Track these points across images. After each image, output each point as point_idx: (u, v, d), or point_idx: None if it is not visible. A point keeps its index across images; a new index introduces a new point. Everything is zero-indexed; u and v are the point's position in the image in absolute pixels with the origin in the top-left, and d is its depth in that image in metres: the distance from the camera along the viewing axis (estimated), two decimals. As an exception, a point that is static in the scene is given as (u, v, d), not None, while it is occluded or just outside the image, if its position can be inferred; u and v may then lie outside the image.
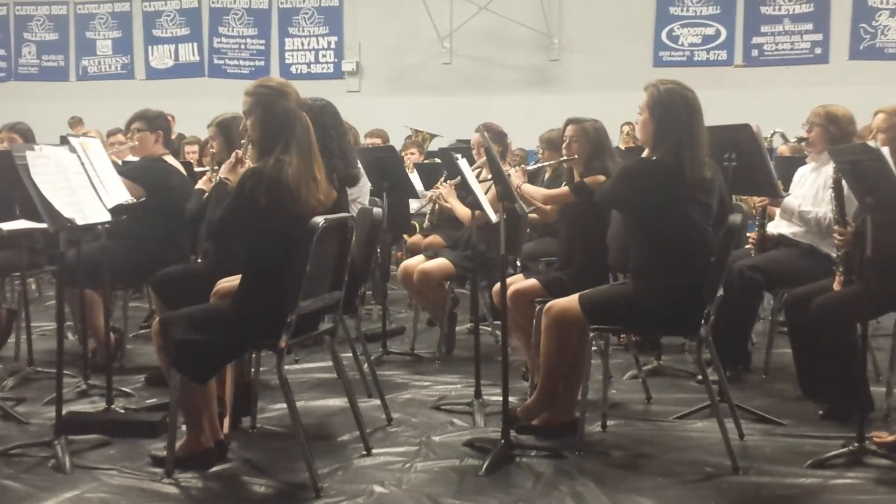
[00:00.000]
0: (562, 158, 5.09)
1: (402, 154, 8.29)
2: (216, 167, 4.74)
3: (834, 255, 4.60)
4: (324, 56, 15.55)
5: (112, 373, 4.74)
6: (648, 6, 14.28)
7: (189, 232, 5.56)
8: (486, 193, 5.17)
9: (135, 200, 4.72)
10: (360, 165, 5.19)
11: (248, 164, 3.93)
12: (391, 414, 4.58)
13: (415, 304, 6.64)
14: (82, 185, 4.16)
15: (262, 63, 15.62)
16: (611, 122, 5.15)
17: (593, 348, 4.33)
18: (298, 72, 15.35)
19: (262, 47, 15.74)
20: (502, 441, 3.98)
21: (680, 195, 3.95)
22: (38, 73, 16.45)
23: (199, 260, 5.54)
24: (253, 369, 4.52)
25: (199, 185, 4.91)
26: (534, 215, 6.23)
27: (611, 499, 3.53)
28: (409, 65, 15.03)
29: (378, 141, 8.41)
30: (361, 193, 6.36)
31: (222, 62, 15.82)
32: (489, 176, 5.00)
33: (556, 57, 14.54)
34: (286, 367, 3.76)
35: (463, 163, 4.87)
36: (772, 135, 5.59)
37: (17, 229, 5.05)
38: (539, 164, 6.20)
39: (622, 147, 9.48)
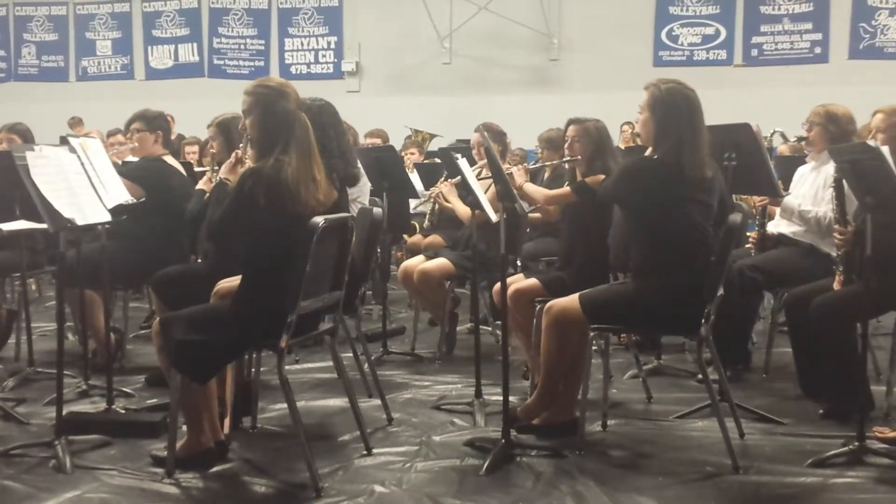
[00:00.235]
0: (564, 159, 5.10)
1: (402, 154, 8.30)
2: (216, 167, 4.74)
3: (834, 254, 4.60)
4: (323, 56, 15.55)
5: (112, 373, 4.73)
6: (648, 6, 14.27)
7: (189, 232, 5.56)
8: (486, 192, 5.18)
9: (135, 201, 4.72)
10: (359, 165, 5.19)
11: (249, 164, 3.93)
12: (391, 414, 4.58)
13: (415, 304, 6.64)
14: (82, 186, 4.16)
15: (262, 63, 15.62)
16: (611, 122, 5.15)
17: (593, 348, 4.33)
18: (298, 72, 15.35)
19: (262, 47, 15.74)
20: (503, 441, 3.98)
21: (681, 194, 3.96)
22: (38, 74, 16.45)
23: (199, 260, 5.54)
24: (253, 369, 4.52)
25: (200, 185, 4.92)
26: (536, 215, 6.24)
27: (611, 498, 3.54)
28: (408, 65, 15.03)
29: (378, 141, 8.41)
30: (361, 193, 6.36)
31: (222, 62, 15.82)
32: (490, 174, 5.00)
33: (555, 57, 14.54)
34: (286, 367, 3.76)
35: (463, 162, 4.87)
36: (772, 134, 5.60)
37: (18, 230, 5.05)
38: (540, 164, 6.20)
39: (622, 147, 9.47)
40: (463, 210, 5.74)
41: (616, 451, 4.13)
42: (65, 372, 4.15)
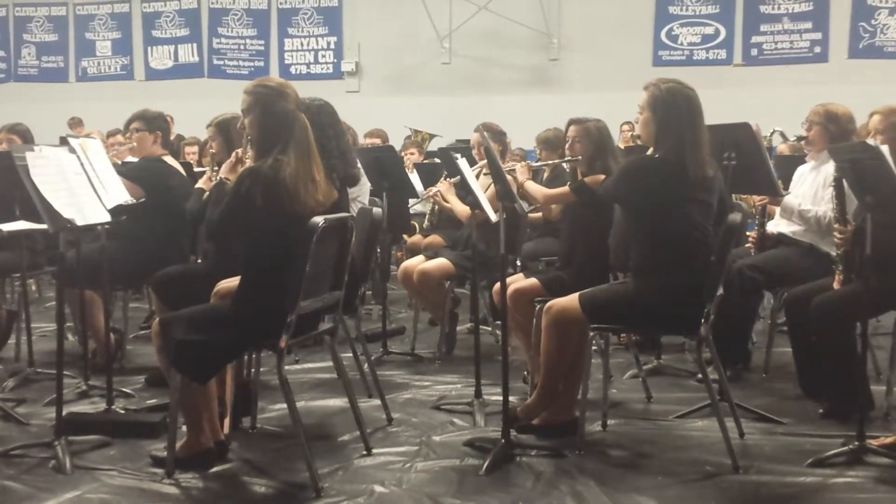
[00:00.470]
0: (565, 159, 5.10)
1: (402, 154, 8.30)
2: (216, 167, 4.74)
3: (834, 253, 4.60)
4: (323, 56, 15.55)
5: (112, 373, 4.73)
6: (648, 5, 14.27)
7: (189, 232, 5.56)
8: (486, 191, 5.18)
9: (134, 201, 4.71)
10: (359, 165, 5.19)
11: (249, 163, 3.93)
12: (391, 414, 4.58)
13: (415, 304, 6.64)
14: (82, 186, 4.16)
15: (262, 63, 15.61)
16: (610, 122, 5.15)
17: (593, 347, 4.33)
18: (298, 72, 15.34)
19: (262, 48, 15.73)
20: (502, 440, 3.98)
21: (682, 194, 3.96)
22: (38, 75, 16.44)
23: (199, 260, 5.54)
24: (253, 369, 4.52)
25: (199, 184, 4.92)
26: (536, 214, 6.25)
27: (611, 498, 3.54)
28: (408, 65, 15.03)
29: (377, 141, 8.41)
30: (361, 193, 6.36)
31: (222, 63, 15.81)
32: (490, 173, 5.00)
33: (555, 56, 14.54)
34: (286, 367, 3.76)
35: (462, 162, 4.88)
36: (771, 133, 5.60)
37: (17, 230, 5.05)
38: (540, 164, 6.20)
39: (622, 146, 9.48)
40: (461, 209, 5.74)
41: (616, 451, 4.13)
42: (65, 372, 4.15)
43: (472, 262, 5.26)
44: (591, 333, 4.08)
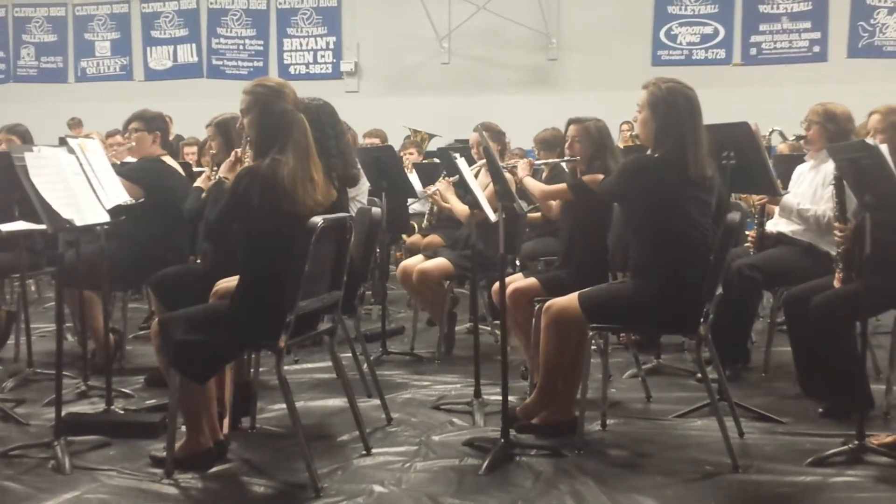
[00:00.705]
0: (564, 158, 5.10)
1: (401, 154, 8.30)
2: (215, 168, 4.73)
3: (833, 252, 4.60)
4: (322, 56, 15.55)
5: (111, 374, 4.73)
6: (647, 5, 14.28)
7: (188, 232, 5.56)
8: (484, 189, 5.18)
9: (133, 201, 4.71)
10: (359, 166, 5.19)
11: (247, 163, 3.93)
12: (391, 414, 4.58)
13: (414, 304, 6.64)
14: (81, 186, 4.15)
15: (261, 64, 15.62)
16: (609, 122, 5.14)
17: (593, 347, 4.33)
18: (297, 72, 15.35)
19: (261, 48, 15.74)
20: (502, 440, 3.98)
21: (681, 192, 3.96)
22: (37, 75, 16.45)
23: (198, 260, 5.54)
24: (252, 370, 4.52)
25: (198, 183, 4.91)
26: (535, 214, 6.25)
27: (610, 498, 3.53)
28: (407, 65, 15.03)
29: (377, 141, 8.41)
30: (359, 192, 6.36)
31: (221, 63, 15.82)
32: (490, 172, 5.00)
33: (554, 56, 14.54)
34: (285, 367, 3.76)
35: (462, 162, 4.87)
36: (770, 133, 5.60)
37: (17, 230, 5.05)
38: (540, 162, 6.20)
39: (621, 146, 9.48)
40: (460, 209, 5.74)
41: (615, 451, 4.13)
42: (64, 373, 4.15)
43: (471, 261, 5.26)
44: (591, 333, 4.08)
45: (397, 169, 6.34)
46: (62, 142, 4.73)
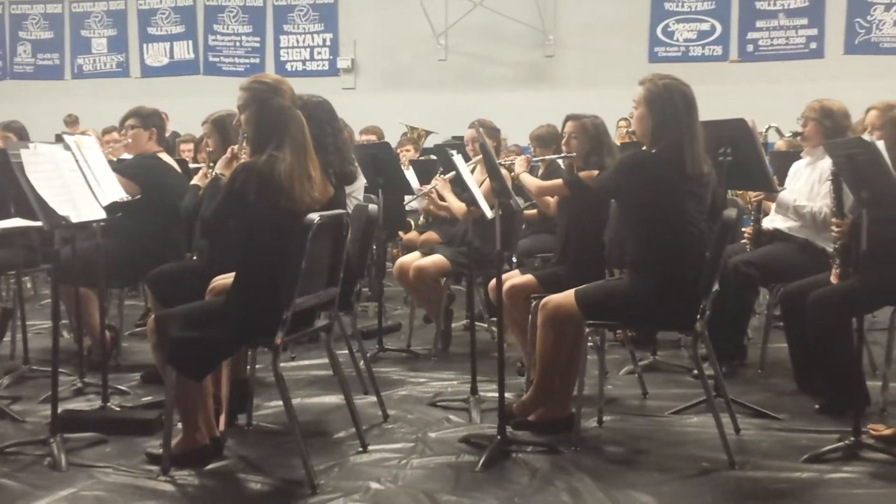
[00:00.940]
0: (561, 155, 5.10)
1: (398, 151, 8.29)
2: (212, 164, 4.73)
3: (830, 249, 4.60)
4: (319, 53, 15.53)
5: (108, 371, 4.72)
6: (644, 2, 14.26)
7: (184, 229, 5.55)
8: (480, 186, 5.18)
9: (130, 198, 4.71)
10: (356, 164, 5.18)
11: (244, 159, 3.93)
12: (387, 411, 4.58)
13: (411, 301, 6.63)
14: (77, 183, 4.15)
15: (258, 60, 15.59)
16: (606, 118, 5.15)
17: (589, 344, 4.33)
18: (294, 69, 15.33)
19: (258, 45, 15.71)
20: (498, 437, 3.98)
21: (678, 188, 3.95)
22: (34, 72, 16.42)
23: (195, 257, 5.53)
24: (249, 366, 4.51)
25: (195, 180, 4.91)
26: (531, 211, 6.25)
27: (607, 494, 3.53)
28: (404, 61, 15.02)
29: (373, 138, 8.41)
30: (356, 189, 6.35)
31: (217, 60, 15.80)
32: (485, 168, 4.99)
33: (551, 53, 14.53)
34: (282, 364, 3.75)
35: (458, 159, 4.87)
36: (767, 129, 5.59)
37: (13, 227, 5.04)
38: (538, 159, 6.20)
39: (618, 143, 9.48)
40: (458, 206, 5.73)
41: (612, 448, 4.13)
42: (60, 370, 4.15)
43: (467, 258, 5.26)
44: (587, 330, 4.08)
45: (394, 166, 6.34)
46: (59, 139, 4.73)
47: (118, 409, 4.62)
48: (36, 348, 5.74)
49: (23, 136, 6.28)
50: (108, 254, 4.82)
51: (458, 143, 7.93)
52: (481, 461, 3.82)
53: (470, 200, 4.76)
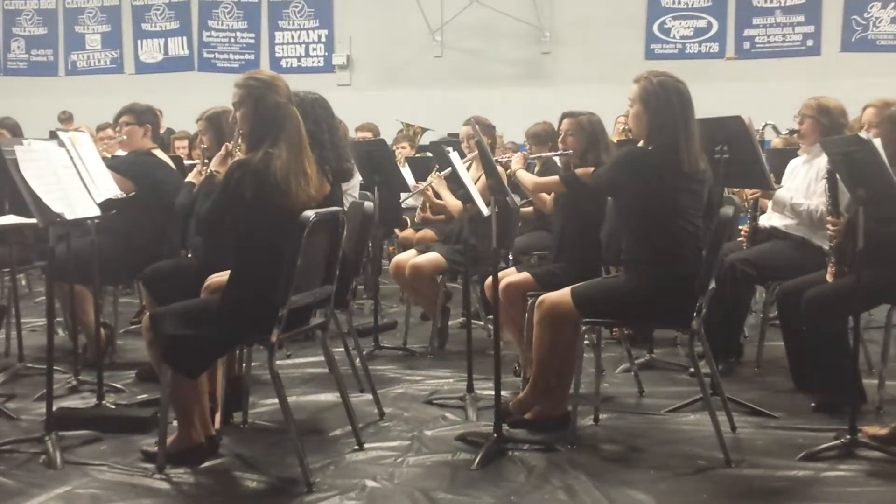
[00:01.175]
0: (557, 152, 5.09)
1: (394, 148, 8.28)
2: (206, 161, 4.72)
3: (826, 247, 4.60)
4: (314, 50, 15.50)
5: (103, 368, 4.71)
6: (640, -1, 14.28)
7: (179, 226, 5.54)
8: (476, 182, 5.16)
9: (124, 195, 4.69)
10: (352, 161, 5.17)
11: (239, 156, 3.91)
12: (383, 408, 4.57)
13: (407, 299, 6.63)
14: (71, 180, 4.14)
15: (252, 57, 15.57)
16: (603, 115, 5.14)
17: (585, 342, 4.32)
18: (289, 66, 15.30)
19: (252, 41, 15.68)
20: (494, 435, 3.97)
21: (674, 184, 3.95)
22: (27, 68, 16.38)
23: (190, 255, 5.52)
24: (244, 364, 4.51)
25: (189, 178, 4.90)
26: (528, 209, 6.24)
27: (603, 492, 3.53)
28: (399, 58, 14.99)
29: (369, 135, 8.40)
30: (351, 186, 6.34)
31: (212, 56, 15.77)
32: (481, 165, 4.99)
33: (547, 50, 14.52)
34: (277, 362, 3.74)
35: (454, 156, 4.86)
36: (763, 127, 5.58)
37: (7, 224, 5.03)
38: (534, 156, 6.20)
39: (615, 140, 9.47)
40: (454, 204, 5.72)
41: (608, 445, 4.13)
42: (55, 367, 4.13)
43: (463, 256, 5.25)
44: (584, 328, 4.08)
45: (390, 163, 6.33)
46: (53, 135, 4.72)
47: (113, 406, 4.61)
48: (30, 346, 5.73)
49: (17, 132, 6.27)
50: (102, 251, 4.80)
51: (454, 140, 7.92)
52: (477, 459, 3.82)
53: (466, 198, 4.74)
